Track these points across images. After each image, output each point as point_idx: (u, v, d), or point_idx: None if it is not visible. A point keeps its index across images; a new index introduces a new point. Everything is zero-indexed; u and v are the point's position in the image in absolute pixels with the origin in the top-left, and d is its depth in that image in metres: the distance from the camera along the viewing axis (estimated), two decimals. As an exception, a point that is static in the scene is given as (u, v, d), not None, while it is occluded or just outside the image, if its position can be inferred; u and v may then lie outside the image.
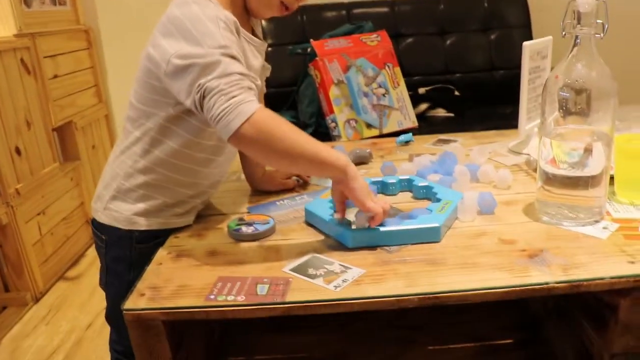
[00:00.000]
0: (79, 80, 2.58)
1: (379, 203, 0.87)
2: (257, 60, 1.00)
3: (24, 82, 2.11)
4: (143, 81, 0.93)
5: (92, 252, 2.43)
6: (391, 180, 1.07)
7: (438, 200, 0.97)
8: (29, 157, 2.10)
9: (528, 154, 1.24)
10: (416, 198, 1.06)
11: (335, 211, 0.93)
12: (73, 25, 2.59)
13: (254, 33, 1.00)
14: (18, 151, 2.03)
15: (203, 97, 0.82)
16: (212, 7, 0.88)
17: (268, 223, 0.94)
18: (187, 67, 0.82)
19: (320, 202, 0.98)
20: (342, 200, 0.90)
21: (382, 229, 0.87)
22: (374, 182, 1.07)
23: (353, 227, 0.88)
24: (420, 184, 1.05)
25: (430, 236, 0.87)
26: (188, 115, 0.92)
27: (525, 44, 1.22)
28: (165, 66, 0.85)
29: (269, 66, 1.07)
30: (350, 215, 0.91)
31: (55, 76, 2.35)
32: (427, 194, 1.04)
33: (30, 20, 2.20)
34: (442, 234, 0.88)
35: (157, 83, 0.90)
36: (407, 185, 1.08)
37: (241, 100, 0.80)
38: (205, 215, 1.05)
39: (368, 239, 0.87)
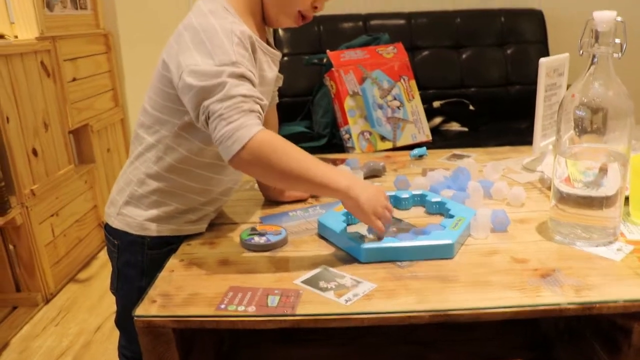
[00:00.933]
0: (96, 83, 2.60)
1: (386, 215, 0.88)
2: (272, 71, 1.01)
3: (44, 85, 2.14)
4: (158, 88, 0.94)
5: (103, 255, 2.45)
6: (404, 195, 1.07)
7: (451, 216, 0.97)
8: (45, 159, 2.13)
9: (542, 172, 1.23)
10: (429, 213, 1.05)
11: (349, 223, 0.93)
12: (93, 29, 2.63)
13: (268, 43, 1.01)
14: (35, 152, 2.05)
15: (207, 118, 0.84)
16: (230, 20, 0.89)
17: (280, 234, 0.94)
18: (194, 87, 0.84)
19: (334, 215, 0.98)
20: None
21: (395, 244, 0.87)
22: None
23: (366, 241, 0.88)
24: (434, 200, 1.05)
25: (443, 253, 0.87)
26: None
27: (542, 61, 1.21)
28: (178, 80, 0.87)
29: (281, 76, 1.08)
30: (362, 229, 0.91)
31: (74, 79, 2.37)
32: (440, 210, 1.04)
33: (52, 23, 2.23)
34: (455, 251, 0.88)
35: (172, 91, 0.91)
36: (420, 200, 1.08)
37: (239, 126, 0.81)
38: (218, 224, 1.05)
39: (381, 254, 0.87)
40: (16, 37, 2.14)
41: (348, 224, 0.97)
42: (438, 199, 1.04)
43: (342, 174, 0.88)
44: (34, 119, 2.06)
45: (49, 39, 2.18)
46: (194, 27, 0.88)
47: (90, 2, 2.59)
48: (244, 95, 0.83)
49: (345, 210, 0.96)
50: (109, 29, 2.78)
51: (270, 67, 0.99)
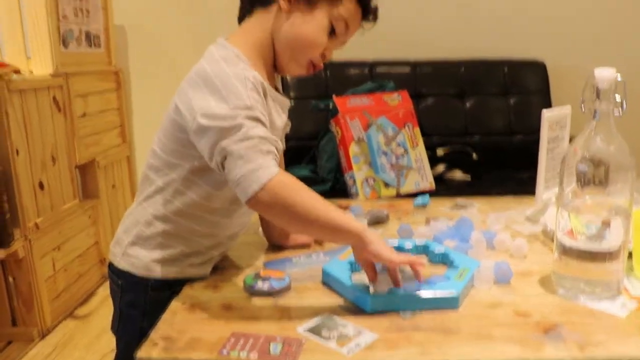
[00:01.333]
0: (105, 119, 2.64)
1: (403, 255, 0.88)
2: (281, 118, 1.02)
3: (54, 119, 2.17)
4: (169, 132, 0.95)
5: (102, 292, 2.43)
6: (407, 244, 1.08)
7: (455, 266, 0.97)
8: (51, 192, 2.14)
9: (545, 223, 1.24)
10: (432, 263, 1.06)
11: (353, 271, 0.94)
12: (105, 66, 2.68)
13: (277, 90, 1.03)
14: (41, 186, 2.07)
15: (224, 159, 0.85)
16: (242, 67, 0.91)
17: (284, 280, 0.95)
18: (210, 129, 0.85)
19: (338, 263, 0.98)
20: (371, 266, 0.89)
21: (400, 294, 0.87)
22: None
23: (371, 291, 0.88)
24: (437, 250, 1.05)
25: (448, 304, 0.87)
26: (212, 169, 0.94)
27: (544, 114, 1.23)
28: (192, 123, 0.88)
29: (289, 123, 1.09)
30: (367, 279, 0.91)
31: (84, 115, 2.41)
32: (443, 260, 1.04)
33: (66, 60, 2.27)
34: (460, 302, 0.88)
35: (184, 135, 0.92)
36: (423, 250, 1.08)
37: (259, 166, 0.83)
38: (222, 268, 1.06)
39: (386, 304, 0.86)
40: (31, 72, 2.18)
41: (353, 272, 0.97)
42: (442, 250, 1.05)
43: (358, 224, 0.88)
44: (43, 152, 2.09)
45: (62, 75, 2.23)
46: (207, 73, 0.89)
47: (103, 40, 2.64)
48: (261, 137, 0.85)
49: (350, 259, 0.97)
50: (120, 66, 2.84)
51: (279, 114, 1.01)
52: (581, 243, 0.89)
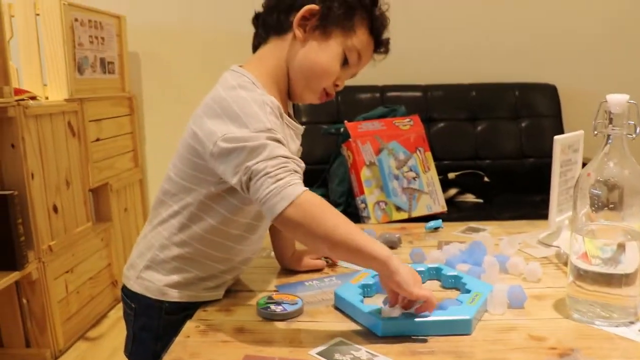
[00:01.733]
0: (118, 144, 2.68)
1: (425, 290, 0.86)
2: (295, 144, 1.03)
3: (69, 144, 2.20)
4: (185, 158, 0.96)
5: (114, 314, 2.44)
6: (420, 268, 1.07)
7: (467, 291, 0.96)
8: (64, 216, 2.16)
9: (558, 247, 1.23)
10: (444, 287, 1.05)
11: (365, 295, 0.93)
12: (119, 92, 2.72)
13: (290, 116, 1.04)
14: (55, 209, 2.09)
15: (249, 179, 0.84)
16: (259, 92, 0.92)
17: (296, 304, 0.95)
18: (234, 150, 0.85)
19: (350, 287, 0.98)
20: (394, 292, 0.87)
21: (413, 319, 0.86)
22: None
23: (383, 314, 0.87)
24: (449, 274, 1.05)
25: (461, 328, 0.86)
26: (228, 194, 0.94)
27: (557, 138, 1.23)
28: (212, 147, 0.88)
29: (301, 149, 1.10)
30: (379, 302, 0.91)
31: (98, 139, 2.45)
32: (455, 284, 1.03)
33: (80, 86, 2.32)
34: (473, 327, 0.87)
35: (200, 161, 0.93)
36: (436, 274, 1.08)
37: (287, 183, 0.82)
38: (234, 291, 1.06)
39: (398, 328, 0.86)
40: (47, 98, 2.22)
41: (365, 297, 0.96)
42: (454, 273, 1.04)
43: (383, 245, 0.86)
44: (57, 176, 2.11)
45: (77, 101, 2.27)
46: (224, 99, 0.90)
47: (118, 67, 2.69)
48: (286, 157, 0.85)
49: (362, 283, 0.97)
50: (134, 92, 2.88)
51: (293, 140, 1.01)
52: (596, 267, 0.88)
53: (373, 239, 0.86)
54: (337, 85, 1.01)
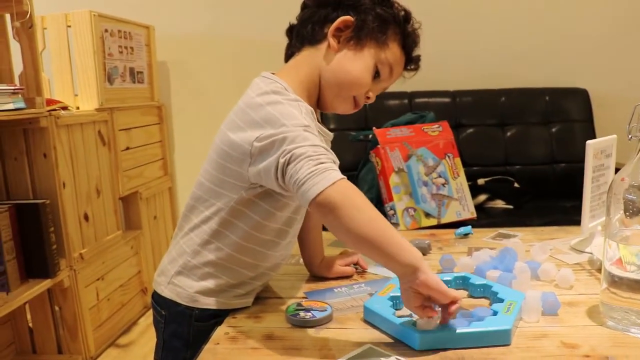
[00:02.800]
0: (148, 152, 2.71)
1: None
2: None
3: (99, 153, 2.24)
4: (217, 163, 0.96)
5: (144, 321, 2.46)
6: (446, 278, 1.05)
7: (500, 299, 0.94)
8: (95, 224, 2.20)
9: (591, 253, 1.21)
10: (472, 296, 1.03)
11: (396, 308, 0.93)
12: (148, 101, 2.76)
13: (320, 123, 1.04)
14: (86, 217, 2.13)
15: (288, 162, 0.83)
16: (292, 97, 0.93)
17: (326, 310, 0.94)
18: (274, 143, 0.85)
19: (379, 300, 0.95)
20: (419, 299, 0.83)
21: (451, 331, 0.84)
22: None
23: (417, 327, 0.84)
24: (478, 282, 1.02)
25: (500, 339, 0.84)
26: (260, 199, 0.95)
27: (589, 143, 1.21)
28: (250, 148, 0.88)
29: None
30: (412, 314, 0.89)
31: (127, 148, 2.48)
32: (484, 293, 1.01)
33: (110, 96, 2.36)
34: (512, 337, 0.85)
35: (232, 166, 0.93)
36: (462, 283, 1.05)
37: (328, 167, 0.82)
38: (263, 298, 1.06)
39: (436, 341, 0.83)
40: (78, 108, 2.27)
41: (396, 309, 0.95)
42: (483, 282, 1.02)
43: (416, 251, 0.83)
44: (88, 185, 2.15)
45: (107, 110, 2.31)
46: (259, 104, 0.90)
47: (147, 76, 2.73)
48: (326, 149, 0.85)
49: (391, 295, 0.95)
50: (163, 101, 2.92)
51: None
52: (631, 273, 0.86)
53: (407, 242, 0.83)
54: (368, 98, 1.02)
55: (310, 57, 1.00)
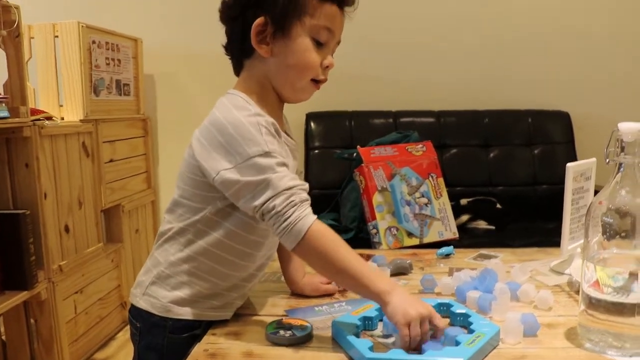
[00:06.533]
0: (132, 165, 2.70)
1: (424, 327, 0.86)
2: (292, 161, 1.02)
3: (82, 164, 2.23)
4: (187, 177, 0.97)
5: (122, 336, 2.43)
6: (429, 303, 1.04)
7: (472, 331, 0.92)
8: (76, 236, 2.17)
9: (570, 274, 1.22)
10: (453, 325, 1.01)
11: (365, 328, 0.94)
12: (134, 114, 2.75)
13: (286, 133, 1.04)
14: (67, 229, 2.10)
15: (262, 216, 0.89)
16: (253, 112, 0.93)
17: (306, 329, 0.94)
18: (239, 182, 0.89)
19: (348, 319, 0.95)
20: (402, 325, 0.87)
21: (401, 357, 0.83)
22: None
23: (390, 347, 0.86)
24: (458, 311, 1.00)
25: None
26: (234, 209, 0.95)
27: (569, 166, 1.23)
28: (215, 175, 0.91)
29: (296, 164, 1.09)
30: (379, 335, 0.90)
31: (111, 160, 2.47)
32: (463, 322, 0.99)
33: (96, 107, 2.34)
34: None
35: (202, 179, 0.94)
36: (445, 310, 1.03)
37: (295, 219, 0.87)
38: (243, 315, 1.05)
39: None
40: (62, 118, 2.25)
41: (364, 329, 0.94)
42: (463, 311, 1.00)
43: (386, 279, 0.92)
44: (70, 196, 2.13)
45: (92, 122, 2.30)
46: (220, 122, 0.91)
47: (133, 89, 2.72)
48: (289, 188, 0.88)
49: (364, 315, 0.95)
50: (149, 114, 2.91)
51: (289, 156, 1.01)
52: (608, 295, 0.87)
53: (374, 271, 0.91)
54: (327, 67, 0.99)
55: (252, 69, 1.00)
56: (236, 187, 0.89)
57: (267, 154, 0.88)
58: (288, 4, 0.94)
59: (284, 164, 0.90)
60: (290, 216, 0.87)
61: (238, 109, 0.93)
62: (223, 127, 0.91)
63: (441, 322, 0.89)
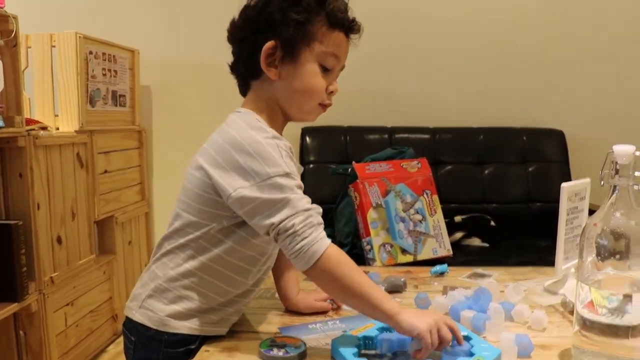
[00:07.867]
0: (126, 177, 2.69)
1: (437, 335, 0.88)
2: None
3: (76, 175, 2.22)
4: (194, 193, 0.96)
5: (113, 349, 2.41)
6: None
7: (471, 354, 0.92)
8: (68, 247, 2.16)
9: (564, 295, 1.22)
10: (453, 346, 1.02)
11: (364, 348, 0.93)
12: (129, 125, 2.75)
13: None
14: (59, 240, 2.09)
15: (277, 235, 0.89)
16: (270, 133, 0.94)
17: (299, 347, 0.93)
18: (257, 199, 0.89)
19: (348, 338, 0.95)
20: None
21: None
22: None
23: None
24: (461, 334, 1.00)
25: None
26: (239, 227, 0.95)
27: (564, 186, 1.23)
28: (232, 192, 0.90)
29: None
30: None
31: (106, 171, 2.46)
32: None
33: (91, 118, 2.34)
34: None
35: (211, 196, 0.94)
36: None
37: (312, 241, 0.88)
38: (238, 331, 1.05)
39: None
40: (57, 128, 2.24)
41: (363, 349, 0.94)
42: (465, 333, 0.99)
43: (395, 302, 0.91)
44: (63, 207, 2.12)
45: (87, 133, 2.29)
46: (238, 141, 0.91)
47: (129, 100, 2.72)
48: (308, 209, 0.89)
49: (364, 334, 0.95)
50: (144, 125, 2.91)
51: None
52: (602, 317, 0.87)
53: (383, 293, 0.91)
54: (331, 92, 1.01)
55: (260, 91, 1.01)
56: (253, 204, 0.89)
57: (287, 175, 0.90)
58: (299, 30, 0.96)
59: (301, 187, 0.91)
60: (307, 237, 0.87)
61: (254, 129, 0.93)
62: (241, 146, 0.91)
63: (457, 327, 0.92)
